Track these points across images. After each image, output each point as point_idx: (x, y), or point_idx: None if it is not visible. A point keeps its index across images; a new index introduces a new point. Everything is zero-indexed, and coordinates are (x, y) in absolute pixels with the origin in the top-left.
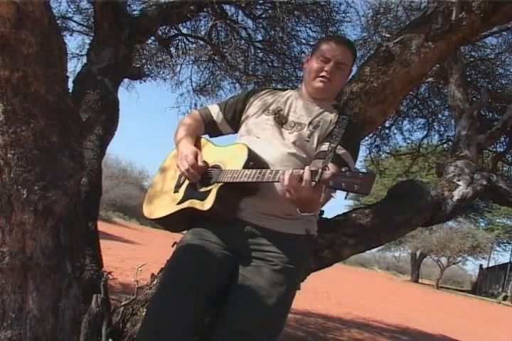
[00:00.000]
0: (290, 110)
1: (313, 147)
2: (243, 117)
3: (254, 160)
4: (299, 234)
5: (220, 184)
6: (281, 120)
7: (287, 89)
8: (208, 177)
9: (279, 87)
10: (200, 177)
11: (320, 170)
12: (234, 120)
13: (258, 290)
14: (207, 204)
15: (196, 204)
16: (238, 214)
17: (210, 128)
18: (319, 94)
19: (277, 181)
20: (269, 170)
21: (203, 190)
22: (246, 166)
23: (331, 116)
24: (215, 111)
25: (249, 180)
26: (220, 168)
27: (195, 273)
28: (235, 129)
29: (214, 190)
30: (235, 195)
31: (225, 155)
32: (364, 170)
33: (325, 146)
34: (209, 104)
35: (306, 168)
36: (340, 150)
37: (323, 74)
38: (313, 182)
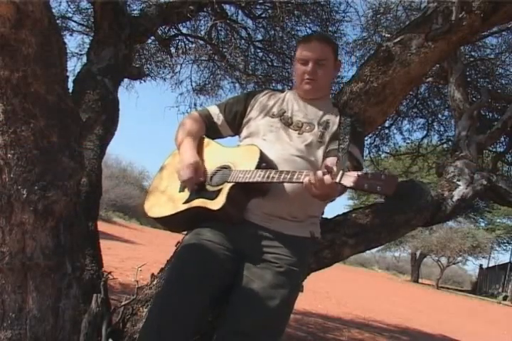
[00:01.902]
0: (293, 110)
1: (323, 147)
2: (245, 120)
3: (266, 162)
4: (304, 237)
5: (232, 184)
6: (287, 121)
7: (284, 90)
8: (217, 177)
9: (278, 86)
10: (196, 188)
11: (341, 172)
12: (234, 122)
13: (261, 292)
14: (218, 203)
15: (206, 203)
16: (245, 214)
17: (210, 130)
18: (311, 95)
19: (295, 182)
20: (285, 171)
21: (212, 189)
22: (258, 167)
23: (336, 116)
24: (215, 112)
25: (264, 180)
26: (229, 168)
27: (198, 273)
28: (235, 131)
29: (225, 189)
30: (245, 196)
31: (235, 155)
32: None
33: (334, 145)
34: (208, 105)
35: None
36: (350, 148)
37: (306, 76)
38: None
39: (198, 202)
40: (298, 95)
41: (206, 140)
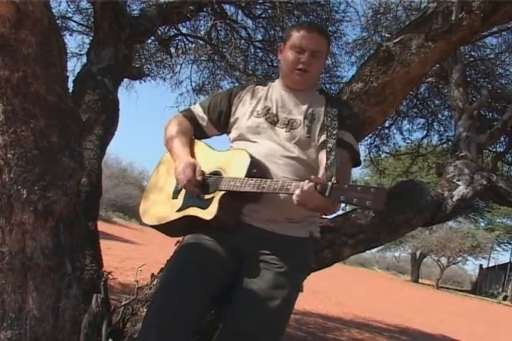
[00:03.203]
0: (278, 106)
1: (315, 142)
2: (232, 119)
3: (256, 168)
4: (303, 237)
5: (223, 192)
6: (272, 119)
7: (268, 81)
8: (208, 184)
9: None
10: (198, 191)
11: (330, 185)
12: (219, 122)
13: (261, 292)
14: (210, 213)
15: (198, 212)
16: (242, 218)
17: (196, 131)
18: (299, 86)
19: (284, 193)
20: (274, 181)
21: (204, 197)
22: (249, 173)
23: (322, 106)
24: (199, 113)
25: (254, 189)
26: (220, 174)
27: (198, 273)
28: (221, 130)
29: (216, 198)
30: (238, 203)
31: (225, 160)
32: (375, 185)
33: (324, 136)
34: (192, 105)
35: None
36: (341, 134)
37: (300, 66)
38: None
39: (191, 211)
40: (283, 85)
41: (196, 141)
